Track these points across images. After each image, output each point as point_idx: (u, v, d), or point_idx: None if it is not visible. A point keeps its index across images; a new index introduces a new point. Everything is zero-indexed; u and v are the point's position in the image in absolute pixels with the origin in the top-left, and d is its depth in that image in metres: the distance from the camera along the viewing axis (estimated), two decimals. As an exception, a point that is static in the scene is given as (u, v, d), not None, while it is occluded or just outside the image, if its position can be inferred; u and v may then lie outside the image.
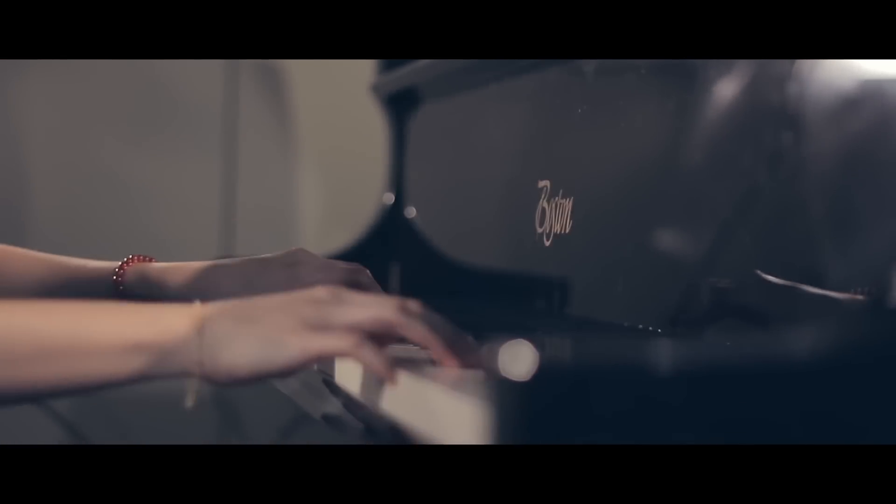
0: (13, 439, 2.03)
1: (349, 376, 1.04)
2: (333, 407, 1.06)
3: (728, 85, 0.97)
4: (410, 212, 1.71)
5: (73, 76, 2.25)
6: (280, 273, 1.17)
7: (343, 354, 0.94)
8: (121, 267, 1.21)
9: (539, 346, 0.65)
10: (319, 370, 1.16)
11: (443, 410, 0.80)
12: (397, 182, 1.75)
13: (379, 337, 0.95)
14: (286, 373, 0.95)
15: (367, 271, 1.20)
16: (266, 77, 2.37)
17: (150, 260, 1.21)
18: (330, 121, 2.38)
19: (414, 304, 0.96)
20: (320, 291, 0.95)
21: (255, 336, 0.93)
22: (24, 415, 1.99)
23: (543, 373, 0.65)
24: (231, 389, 1.43)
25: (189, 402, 0.96)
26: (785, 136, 0.89)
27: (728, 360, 0.67)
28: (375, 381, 0.96)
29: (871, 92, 0.84)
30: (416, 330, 0.94)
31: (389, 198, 1.75)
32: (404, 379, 0.90)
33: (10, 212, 2.22)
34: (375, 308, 0.94)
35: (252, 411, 1.56)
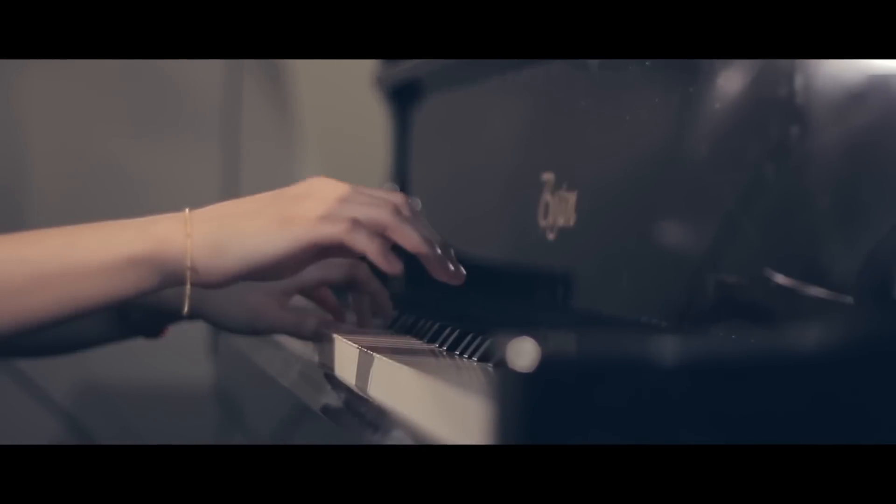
0: (12, 439, 2.03)
1: (350, 370, 1.03)
2: (334, 400, 1.05)
3: (733, 78, 0.97)
4: (414, 204, 1.70)
5: (75, 71, 2.25)
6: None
7: (335, 240, 0.94)
8: None
9: (543, 339, 0.65)
10: (321, 364, 1.15)
11: (444, 404, 0.79)
12: (400, 175, 1.75)
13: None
14: (281, 265, 0.95)
15: (365, 266, 1.19)
16: (268, 69, 2.36)
17: None
18: (333, 113, 2.38)
19: (408, 209, 0.97)
20: (314, 184, 0.96)
21: (244, 231, 0.94)
22: (24, 410, 1.99)
23: (547, 366, 0.64)
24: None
25: (185, 309, 0.96)
26: (790, 130, 0.89)
27: (733, 355, 0.67)
28: (375, 374, 0.96)
29: (877, 86, 0.84)
30: (408, 236, 0.95)
31: (392, 190, 1.75)
32: (405, 372, 0.90)
33: (12, 206, 2.22)
34: (371, 209, 0.95)
35: (253, 404, 1.56)
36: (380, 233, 0.95)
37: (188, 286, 0.95)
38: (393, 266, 0.95)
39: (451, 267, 0.98)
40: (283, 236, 0.94)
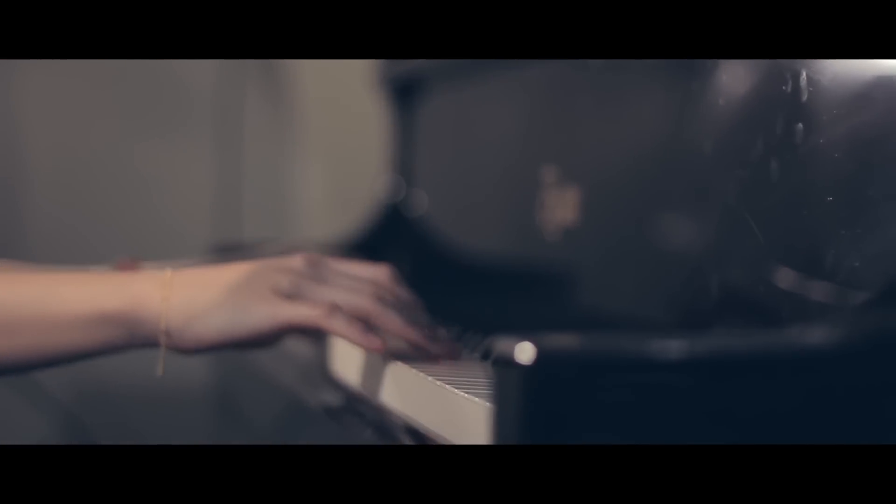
0: (12, 438, 2.03)
1: (349, 370, 1.03)
2: (333, 399, 1.05)
3: (736, 76, 0.97)
4: (414, 201, 1.70)
5: (74, 71, 2.24)
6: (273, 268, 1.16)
7: (313, 325, 0.93)
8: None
9: (543, 338, 0.65)
10: (320, 363, 1.15)
11: (444, 402, 0.79)
12: (401, 174, 1.75)
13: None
14: (255, 340, 0.95)
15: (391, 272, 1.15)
16: (268, 68, 2.36)
17: (137, 261, 1.20)
18: (333, 113, 2.37)
19: (390, 291, 0.96)
20: (295, 260, 0.95)
21: (222, 302, 0.93)
22: (23, 410, 1.99)
23: (548, 365, 0.64)
24: (229, 383, 1.43)
25: (159, 371, 0.96)
26: (794, 128, 0.88)
27: (735, 354, 0.67)
28: (374, 373, 0.96)
29: (882, 84, 0.84)
30: (392, 322, 0.94)
31: (393, 188, 1.75)
32: (402, 371, 0.89)
33: (10, 205, 2.22)
34: (353, 295, 0.94)
35: (251, 403, 1.56)
36: (361, 318, 0.94)
37: (163, 349, 0.95)
38: (373, 345, 0.93)
39: (441, 346, 0.97)
40: (260, 313, 0.93)
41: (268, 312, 0.93)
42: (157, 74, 2.30)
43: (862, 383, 0.68)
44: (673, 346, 0.66)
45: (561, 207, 1.20)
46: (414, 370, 0.88)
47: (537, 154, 1.29)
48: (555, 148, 1.26)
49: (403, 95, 1.76)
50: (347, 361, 1.04)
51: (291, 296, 0.94)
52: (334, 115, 2.37)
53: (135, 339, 0.94)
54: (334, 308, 0.93)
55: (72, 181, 2.23)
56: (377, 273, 0.98)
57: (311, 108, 2.37)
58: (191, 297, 0.94)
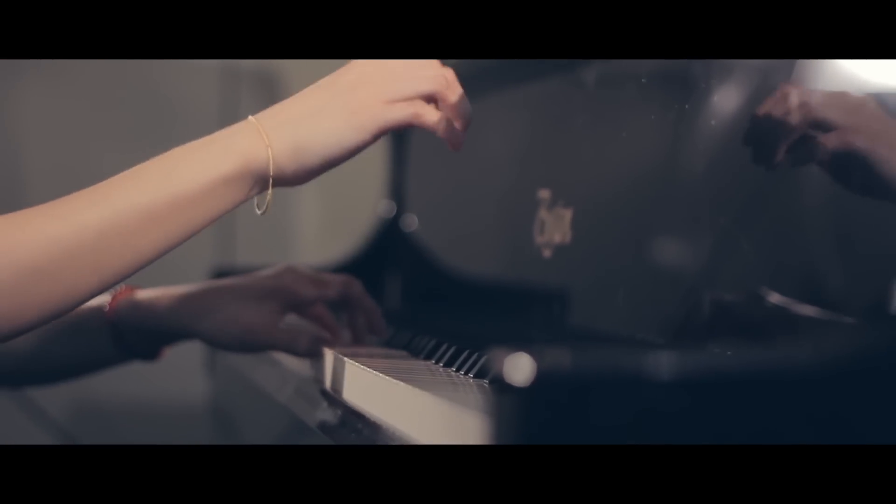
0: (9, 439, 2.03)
1: (346, 386, 1.03)
2: (330, 417, 1.05)
3: (728, 95, 0.97)
4: (410, 222, 1.70)
5: (72, 85, 2.25)
6: (270, 287, 1.18)
7: (405, 123, 1.00)
8: (113, 298, 1.22)
9: (538, 355, 0.65)
10: (317, 380, 1.15)
11: (441, 420, 0.79)
12: (397, 192, 1.75)
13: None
14: (354, 154, 1.01)
15: (359, 283, 1.22)
16: (265, 84, 2.37)
17: (133, 288, 1.22)
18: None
19: (455, 79, 1.04)
20: (364, 69, 1.01)
21: (317, 131, 0.99)
22: (21, 427, 1.99)
23: (542, 382, 0.64)
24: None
25: (265, 210, 1.02)
26: (785, 148, 0.89)
27: (727, 371, 0.67)
28: (372, 390, 0.96)
29: (872, 101, 0.84)
30: (455, 106, 1.03)
31: (389, 208, 1.75)
32: (401, 388, 0.90)
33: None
34: (423, 83, 1.01)
35: (250, 421, 1.56)
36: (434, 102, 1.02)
37: (270, 190, 1.00)
38: (457, 143, 1.03)
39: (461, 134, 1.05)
40: (354, 128, 0.99)
41: (360, 126, 1.00)
42: (153, 90, 2.31)
43: (851, 400, 0.68)
44: (666, 365, 0.66)
45: (554, 227, 1.20)
46: (409, 386, 0.88)
47: (531, 174, 1.29)
48: (548, 168, 1.26)
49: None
50: (344, 378, 1.05)
51: (375, 105, 0.99)
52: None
53: (252, 189, 1.00)
54: (419, 104, 1.00)
55: (68, 191, 2.24)
56: (443, 69, 1.05)
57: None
58: (289, 135, 0.99)
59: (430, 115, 1.01)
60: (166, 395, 2.22)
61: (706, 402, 0.66)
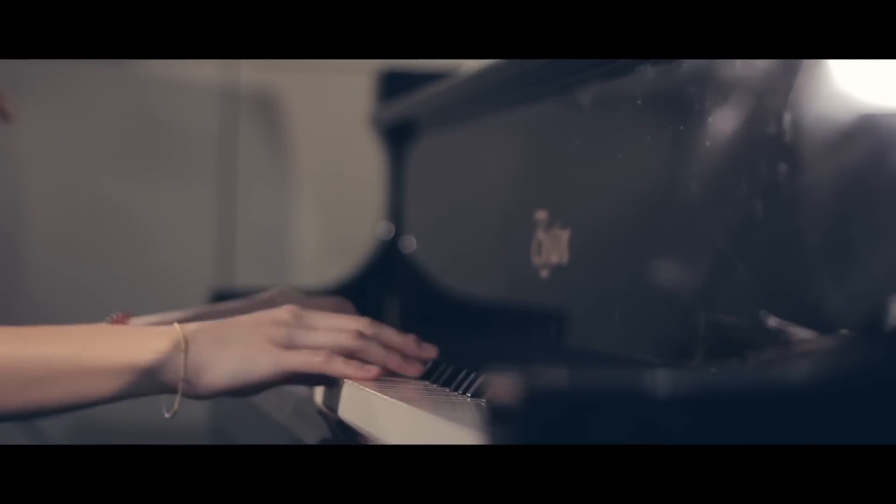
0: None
1: (344, 406, 1.04)
2: (328, 437, 1.06)
3: (725, 117, 0.98)
4: (408, 243, 1.71)
5: (71, 111, 2.25)
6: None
7: (315, 370, 1.05)
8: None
9: (535, 375, 0.65)
10: (315, 401, 1.16)
11: (438, 440, 0.80)
12: (395, 213, 1.75)
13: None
14: (260, 387, 1.07)
15: (351, 304, 1.23)
16: (264, 108, 2.37)
17: (129, 316, 1.24)
18: (327, 152, 2.38)
19: (368, 325, 1.08)
20: (283, 313, 1.07)
21: (231, 355, 1.05)
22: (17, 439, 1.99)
23: (539, 403, 0.64)
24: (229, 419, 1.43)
25: (172, 412, 1.07)
26: (781, 168, 0.89)
27: (725, 391, 0.67)
28: (370, 410, 0.96)
29: (867, 123, 0.85)
30: (374, 353, 1.07)
31: (387, 229, 1.75)
32: (399, 408, 0.90)
33: (8, 245, 2.22)
34: (336, 335, 1.07)
35: (246, 441, 1.56)
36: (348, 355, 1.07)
37: (178, 396, 1.06)
38: (370, 374, 1.06)
39: (419, 360, 1.10)
40: (265, 363, 1.05)
41: (272, 362, 1.05)
42: (152, 116, 2.31)
43: (852, 420, 0.68)
44: (663, 385, 0.66)
45: (551, 247, 1.21)
46: (407, 406, 0.89)
47: (528, 195, 1.30)
48: (545, 189, 1.26)
49: (396, 138, 1.77)
50: (342, 398, 1.05)
51: (287, 345, 1.05)
52: (329, 158, 2.38)
53: (158, 387, 1.06)
54: (331, 353, 1.05)
55: (67, 223, 2.24)
56: (355, 320, 1.10)
57: (307, 155, 2.38)
58: (204, 351, 1.05)
59: (338, 367, 1.05)
60: (164, 417, 2.21)
61: (703, 421, 0.66)
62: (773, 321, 0.87)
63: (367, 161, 1.96)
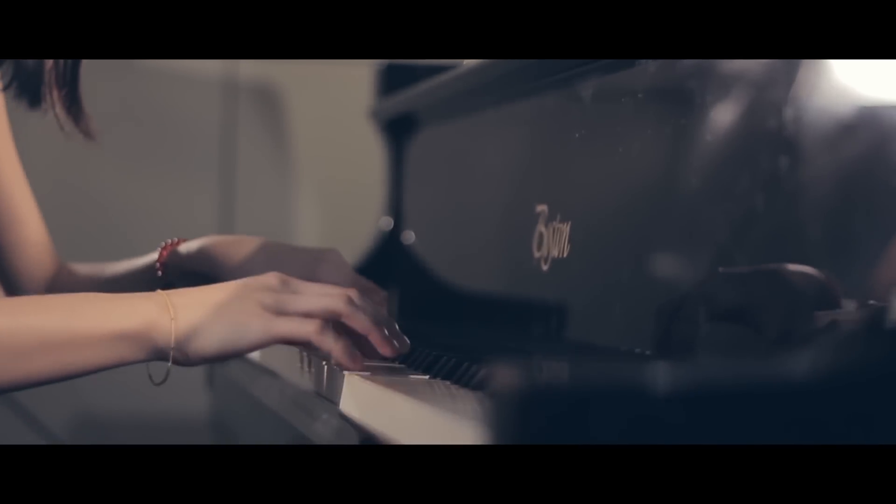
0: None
1: (345, 399, 1.04)
2: (329, 429, 1.06)
3: (725, 111, 0.98)
4: (408, 236, 1.71)
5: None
6: (305, 264, 1.21)
7: (304, 339, 1.04)
8: (163, 250, 1.31)
9: (535, 368, 0.65)
10: (315, 393, 1.16)
11: (439, 432, 0.80)
12: (395, 207, 1.75)
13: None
14: (251, 351, 1.06)
15: (384, 293, 1.25)
16: (264, 104, 2.37)
17: (182, 241, 1.30)
18: (328, 146, 2.38)
19: (358, 296, 1.08)
20: (271, 279, 1.07)
21: (222, 320, 1.04)
22: (20, 442, 1.99)
23: (540, 395, 0.65)
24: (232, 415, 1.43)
25: (163, 379, 1.06)
26: (781, 160, 0.89)
27: (725, 383, 0.67)
28: (371, 402, 0.96)
29: (867, 117, 0.85)
30: (360, 320, 1.07)
31: (387, 222, 1.76)
32: (400, 400, 0.90)
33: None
34: (326, 299, 1.06)
35: (249, 435, 1.56)
36: (336, 319, 1.06)
37: (170, 363, 1.05)
38: (356, 363, 1.05)
39: (396, 343, 1.10)
40: (256, 329, 1.04)
41: (263, 328, 1.04)
42: (154, 113, 2.31)
43: (853, 414, 0.68)
44: (663, 377, 0.66)
45: (552, 241, 1.21)
46: (408, 398, 0.89)
47: (528, 188, 1.30)
48: (545, 183, 1.27)
49: (396, 131, 1.77)
50: (342, 390, 1.05)
51: (276, 310, 1.05)
52: (330, 152, 2.38)
53: (148, 354, 1.05)
54: (324, 325, 1.04)
55: (69, 217, 2.24)
56: (343, 289, 1.09)
57: (307, 147, 2.38)
58: (195, 316, 1.04)
59: (328, 341, 1.04)
60: (165, 409, 2.22)
61: (702, 415, 0.66)
62: (773, 313, 0.87)
63: (367, 154, 1.97)
